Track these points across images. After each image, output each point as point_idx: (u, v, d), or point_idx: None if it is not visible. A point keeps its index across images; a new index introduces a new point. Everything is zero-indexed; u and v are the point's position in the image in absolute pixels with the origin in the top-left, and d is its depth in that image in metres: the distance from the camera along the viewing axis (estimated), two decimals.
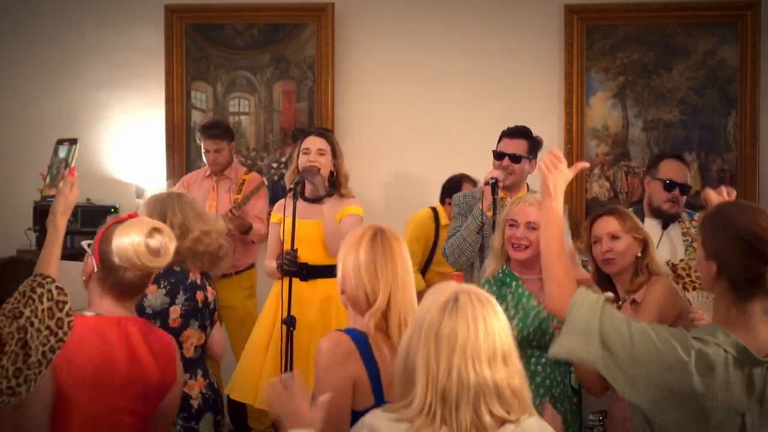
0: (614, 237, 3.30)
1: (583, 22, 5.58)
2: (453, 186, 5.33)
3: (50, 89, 6.09)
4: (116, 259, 2.50)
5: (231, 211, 5.02)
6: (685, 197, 4.30)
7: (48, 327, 2.20)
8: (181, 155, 5.96)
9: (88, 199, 5.66)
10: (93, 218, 5.01)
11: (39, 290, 2.22)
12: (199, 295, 3.34)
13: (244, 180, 5.33)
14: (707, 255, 2.34)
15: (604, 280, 3.37)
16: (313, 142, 4.31)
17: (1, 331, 2.13)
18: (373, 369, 2.43)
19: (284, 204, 4.21)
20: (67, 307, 2.24)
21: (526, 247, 3.34)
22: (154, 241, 2.51)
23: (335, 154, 4.34)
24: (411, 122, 5.78)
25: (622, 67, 5.58)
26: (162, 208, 3.35)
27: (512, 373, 1.97)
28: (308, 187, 4.35)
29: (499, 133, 4.55)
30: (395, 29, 5.79)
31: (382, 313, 2.44)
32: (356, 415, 2.30)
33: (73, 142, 2.44)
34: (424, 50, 5.76)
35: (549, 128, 5.21)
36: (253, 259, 5.31)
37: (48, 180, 2.41)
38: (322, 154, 4.29)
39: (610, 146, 5.61)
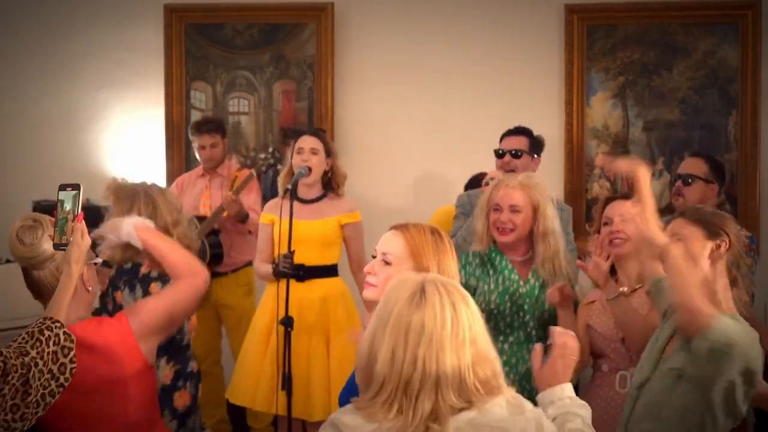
0: (625, 220, 3.18)
1: (583, 22, 5.56)
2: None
3: (50, 89, 6.08)
4: None
5: (232, 193, 5.03)
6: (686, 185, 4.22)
7: (51, 371, 2.25)
8: (180, 155, 5.95)
9: (87, 199, 5.62)
10: (92, 218, 5.00)
11: (47, 333, 2.27)
12: (153, 287, 3.38)
13: (236, 176, 5.34)
14: None
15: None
16: (306, 142, 4.32)
17: (7, 361, 2.18)
18: None
19: (280, 204, 4.16)
20: (71, 354, 2.29)
21: (511, 230, 3.39)
22: (24, 231, 2.55)
23: (329, 153, 4.35)
24: (411, 122, 5.77)
25: (623, 67, 5.57)
26: (132, 199, 3.45)
27: (480, 360, 1.92)
28: (302, 188, 4.34)
29: (500, 134, 4.57)
30: (395, 29, 5.78)
31: None
32: None
33: (75, 188, 2.52)
34: (424, 50, 5.74)
35: (549, 128, 5.19)
36: (250, 256, 5.28)
37: (57, 230, 2.47)
38: (315, 154, 4.30)
39: (610, 146, 5.59)
